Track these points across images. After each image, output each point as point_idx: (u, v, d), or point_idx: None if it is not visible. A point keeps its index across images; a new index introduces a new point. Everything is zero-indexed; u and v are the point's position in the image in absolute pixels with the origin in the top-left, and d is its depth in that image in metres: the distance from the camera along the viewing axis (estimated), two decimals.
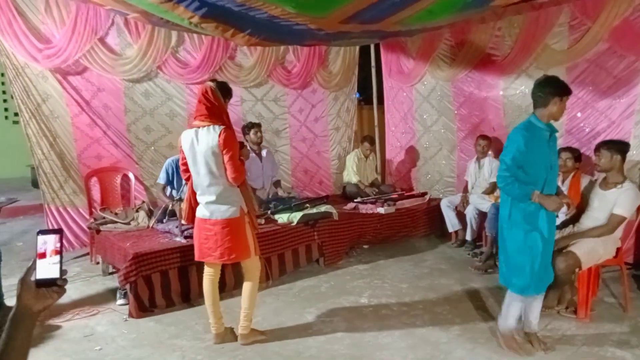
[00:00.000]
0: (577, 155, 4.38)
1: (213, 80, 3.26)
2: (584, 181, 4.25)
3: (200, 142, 3.09)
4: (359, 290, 4.36)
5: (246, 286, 3.34)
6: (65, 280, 1.22)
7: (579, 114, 5.13)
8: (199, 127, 3.11)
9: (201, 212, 3.21)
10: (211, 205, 3.16)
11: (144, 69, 5.43)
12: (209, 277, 3.33)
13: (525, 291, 3.07)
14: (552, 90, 3.05)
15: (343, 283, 4.56)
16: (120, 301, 4.00)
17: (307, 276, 4.71)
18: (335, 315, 3.80)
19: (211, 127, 3.08)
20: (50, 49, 4.85)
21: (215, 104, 3.11)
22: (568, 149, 4.48)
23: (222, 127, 3.07)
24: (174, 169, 4.97)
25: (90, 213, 5.08)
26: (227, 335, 3.38)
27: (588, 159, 4.94)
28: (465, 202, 5.59)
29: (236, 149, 3.12)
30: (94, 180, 5.27)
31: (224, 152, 3.05)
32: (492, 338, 3.35)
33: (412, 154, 7.07)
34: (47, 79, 4.96)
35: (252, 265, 3.34)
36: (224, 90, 3.25)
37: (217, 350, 3.27)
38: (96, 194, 5.27)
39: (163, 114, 5.70)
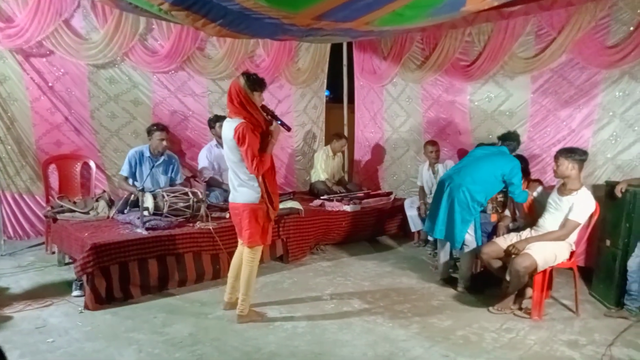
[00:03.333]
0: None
1: (245, 73, 3.39)
2: (534, 188, 4.37)
3: (226, 133, 3.34)
4: (321, 287, 4.37)
5: (244, 271, 3.53)
6: None
7: (541, 122, 5.30)
8: (228, 119, 3.38)
9: (230, 195, 3.53)
10: (237, 189, 3.42)
11: (110, 54, 5.27)
12: (239, 254, 3.66)
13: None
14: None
15: (306, 280, 4.56)
16: (75, 292, 3.89)
17: (270, 272, 4.69)
18: (297, 312, 3.80)
19: (232, 119, 3.31)
20: (11, 29, 4.65)
21: (238, 99, 3.28)
22: None
23: (240, 121, 3.24)
24: (137, 160, 4.86)
25: (47, 201, 4.91)
26: (234, 306, 3.61)
27: (549, 165, 5.11)
28: (424, 207, 5.54)
29: (251, 143, 3.22)
30: (52, 167, 5.10)
31: (240, 146, 3.25)
32: (450, 336, 3.43)
33: (380, 153, 7.14)
34: (6, 60, 4.76)
35: (256, 252, 3.54)
36: (253, 84, 3.35)
37: (175, 344, 3.22)
38: (54, 181, 5.11)
39: (128, 100, 5.55)
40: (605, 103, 4.77)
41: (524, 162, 4.53)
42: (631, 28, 4.55)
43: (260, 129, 3.32)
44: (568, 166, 3.74)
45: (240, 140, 3.22)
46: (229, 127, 3.31)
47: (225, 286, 3.81)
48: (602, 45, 4.76)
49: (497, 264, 3.98)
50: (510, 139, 4.50)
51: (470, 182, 4.17)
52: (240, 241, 3.68)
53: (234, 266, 3.73)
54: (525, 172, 4.48)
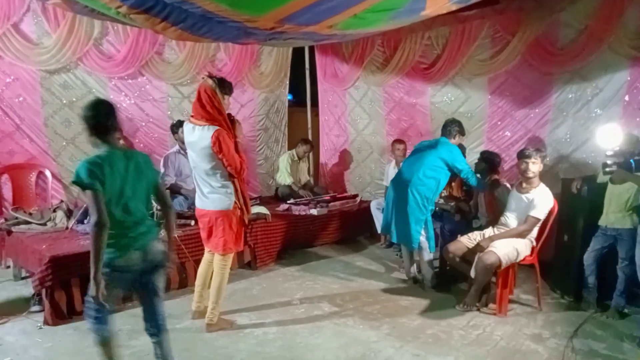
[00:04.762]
0: (486, 157, 4.61)
1: (212, 76, 3.30)
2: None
3: (197, 140, 3.24)
4: (291, 292, 4.35)
5: (216, 278, 3.45)
6: None
7: (499, 122, 5.46)
8: (196, 125, 3.25)
9: (198, 202, 3.43)
10: (208, 196, 3.33)
11: (63, 60, 5.08)
12: (206, 262, 3.60)
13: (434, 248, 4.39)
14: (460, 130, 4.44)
15: (275, 285, 4.53)
16: (34, 308, 3.71)
17: (238, 279, 4.62)
18: (267, 318, 3.76)
19: (206, 127, 3.20)
20: None
21: (211, 104, 3.21)
22: (481, 152, 4.74)
23: (216, 128, 3.17)
24: None
25: (1, 213, 4.67)
26: (204, 314, 3.54)
27: (506, 163, 5.27)
28: None
29: (230, 147, 3.20)
30: (5, 177, 4.86)
31: (219, 154, 3.20)
32: (420, 335, 3.47)
33: (345, 156, 7.18)
34: None
35: (229, 259, 3.48)
36: (224, 88, 3.31)
37: (142, 357, 3.12)
38: (7, 192, 4.86)
39: (83, 106, 5.33)
40: (559, 103, 4.98)
41: (497, 158, 4.62)
42: (578, 32, 4.77)
43: (231, 133, 3.29)
44: (540, 165, 3.87)
45: (221, 148, 3.17)
46: (202, 136, 3.21)
47: (192, 295, 3.74)
48: (553, 48, 4.96)
49: (462, 262, 4.06)
50: (446, 126, 4.46)
51: (417, 182, 4.25)
52: (207, 249, 3.60)
53: (201, 274, 3.65)
54: (494, 169, 4.56)
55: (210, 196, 3.34)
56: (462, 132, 4.51)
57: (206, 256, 3.63)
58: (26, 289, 4.04)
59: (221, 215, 3.33)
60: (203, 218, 3.44)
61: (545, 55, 5.01)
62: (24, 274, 4.33)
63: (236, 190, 3.35)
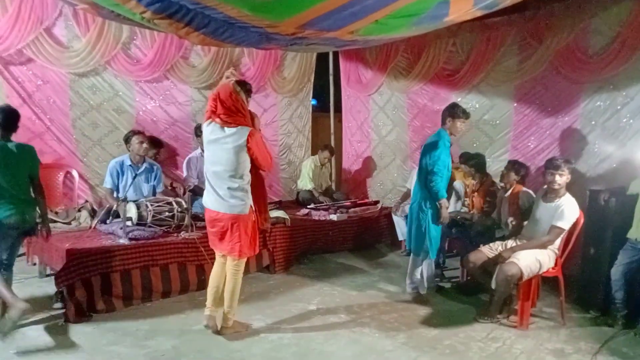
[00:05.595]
0: (517, 168, 4.49)
1: (238, 80, 3.38)
2: (523, 195, 4.37)
3: (227, 141, 3.24)
4: (308, 297, 4.33)
5: (230, 282, 3.43)
6: None
7: (524, 131, 5.35)
8: (223, 126, 3.25)
9: (211, 204, 3.35)
10: (224, 199, 3.29)
11: (92, 63, 5.22)
12: (219, 264, 3.52)
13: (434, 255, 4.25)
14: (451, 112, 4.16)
15: (292, 290, 4.52)
16: (56, 305, 3.79)
17: (255, 282, 4.63)
18: (283, 322, 3.75)
19: (238, 127, 3.23)
20: None
21: (240, 107, 3.26)
22: (510, 162, 4.62)
23: (249, 129, 3.24)
24: (119, 171, 4.79)
25: None
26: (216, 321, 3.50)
27: (532, 172, 5.14)
28: (398, 208, 5.63)
29: (262, 144, 3.32)
30: None
31: (253, 154, 3.27)
32: (437, 346, 3.40)
33: (367, 162, 7.15)
34: None
35: (242, 263, 3.47)
36: (247, 92, 3.44)
37: (157, 357, 3.15)
38: None
39: (110, 109, 5.49)
40: (587, 112, 4.85)
41: (524, 168, 4.51)
42: (610, 39, 4.63)
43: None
44: (568, 176, 3.76)
45: (257, 146, 3.25)
46: (236, 136, 3.21)
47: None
48: (583, 56, 4.84)
49: (482, 272, 3.97)
50: (442, 116, 4.25)
51: (419, 185, 4.21)
52: (218, 252, 3.53)
53: (215, 277, 3.55)
54: (522, 179, 4.45)
55: (228, 199, 3.27)
56: (455, 115, 4.13)
57: (218, 260, 3.56)
58: (50, 286, 4.11)
59: (238, 220, 3.30)
60: (216, 221, 3.35)
61: (575, 63, 4.89)
62: (49, 271, 4.43)
63: (261, 187, 3.41)
